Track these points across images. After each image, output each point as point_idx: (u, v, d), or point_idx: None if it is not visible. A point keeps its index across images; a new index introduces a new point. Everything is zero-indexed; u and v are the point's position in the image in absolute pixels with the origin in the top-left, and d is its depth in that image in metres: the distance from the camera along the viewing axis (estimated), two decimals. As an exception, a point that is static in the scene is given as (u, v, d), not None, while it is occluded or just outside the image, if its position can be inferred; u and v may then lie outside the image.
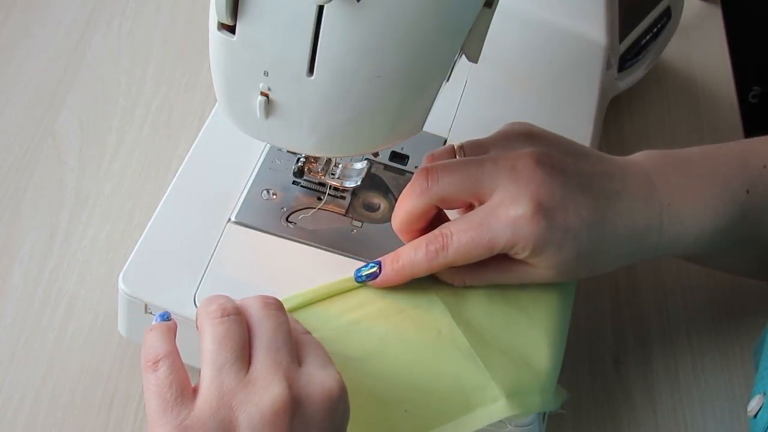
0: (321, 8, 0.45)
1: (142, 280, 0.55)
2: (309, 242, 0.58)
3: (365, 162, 0.62)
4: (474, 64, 0.52)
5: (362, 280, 0.55)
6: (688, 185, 0.56)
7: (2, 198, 0.69)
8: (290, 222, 0.59)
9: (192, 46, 0.81)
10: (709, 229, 0.56)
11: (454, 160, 0.56)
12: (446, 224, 0.54)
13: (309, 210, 0.60)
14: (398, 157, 0.64)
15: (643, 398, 0.63)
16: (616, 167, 0.56)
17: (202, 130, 0.64)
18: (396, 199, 0.61)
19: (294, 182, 0.61)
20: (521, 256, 0.53)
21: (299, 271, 0.57)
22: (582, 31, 0.74)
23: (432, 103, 0.53)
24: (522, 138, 0.56)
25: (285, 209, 0.60)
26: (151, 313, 0.55)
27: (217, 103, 0.60)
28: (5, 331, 0.62)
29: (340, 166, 0.61)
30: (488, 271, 0.55)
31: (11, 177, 0.70)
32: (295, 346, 0.48)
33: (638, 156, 0.58)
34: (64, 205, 0.69)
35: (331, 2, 0.44)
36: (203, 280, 0.55)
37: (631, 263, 0.58)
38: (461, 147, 0.56)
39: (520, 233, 0.52)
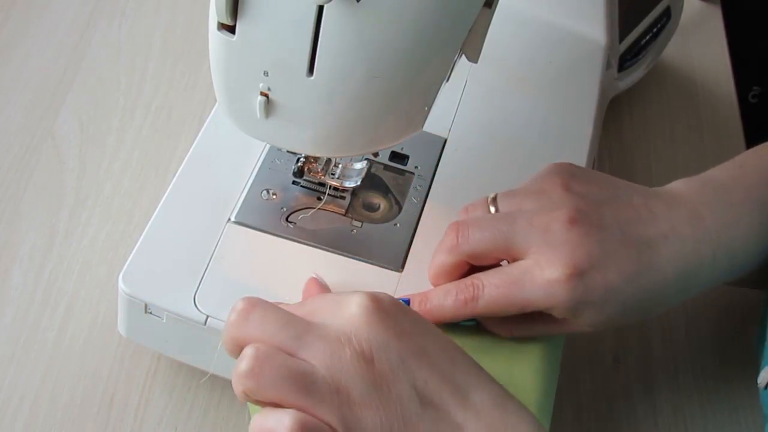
0: (321, 8, 0.45)
1: (142, 280, 0.55)
2: (309, 242, 0.58)
3: (365, 162, 0.62)
4: (474, 64, 0.52)
5: None
6: (732, 214, 0.55)
7: (2, 198, 0.69)
8: (290, 222, 0.59)
9: (192, 46, 0.81)
10: (757, 255, 0.55)
11: (486, 215, 0.55)
12: (479, 275, 0.53)
13: (309, 210, 0.60)
14: (398, 157, 0.64)
15: (643, 398, 0.63)
16: (660, 205, 0.54)
17: (202, 130, 0.64)
18: (396, 199, 0.61)
19: (294, 182, 0.61)
20: (560, 317, 0.52)
21: (299, 271, 0.57)
22: (582, 31, 0.74)
23: (432, 103, 0.53)
24: (557, 188, 0.54)
25: (285, 209, 0.60)
26: (151, 313, 0.55)
27: (217, 103, 0.60)
28: (5, 331, 0.62)
29: (340, 166, 0.61)
30: (536, 323, 0.54)
31: (11, 177, 0.70)
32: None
33: (678, 186, 0.56)
34: (64, 205, 0.69)
35: (331, 2, 0.44)
36: (203, 280, 0.55)
37: (683, 300, 0.56)
38: (494, 199, 0.55)
39: (555, 297, 0.50)
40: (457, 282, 0.53)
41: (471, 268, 0.54)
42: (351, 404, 0.43)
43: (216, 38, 0.49)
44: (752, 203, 0.55)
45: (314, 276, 0.55)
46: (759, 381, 0.55)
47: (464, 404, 0.45)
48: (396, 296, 0.53)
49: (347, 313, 0.45)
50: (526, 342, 0.54)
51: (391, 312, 0.46)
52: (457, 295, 0.52)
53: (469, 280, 0.53)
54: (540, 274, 0.51)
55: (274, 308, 0.46)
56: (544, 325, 0.54)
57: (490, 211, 0.55)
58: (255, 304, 0.46)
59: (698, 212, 0.54)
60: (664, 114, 0.83)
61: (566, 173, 0.55)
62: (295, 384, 0.43)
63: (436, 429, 0.44)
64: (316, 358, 0.44)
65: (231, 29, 0.48)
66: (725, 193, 0.56)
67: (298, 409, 0.43)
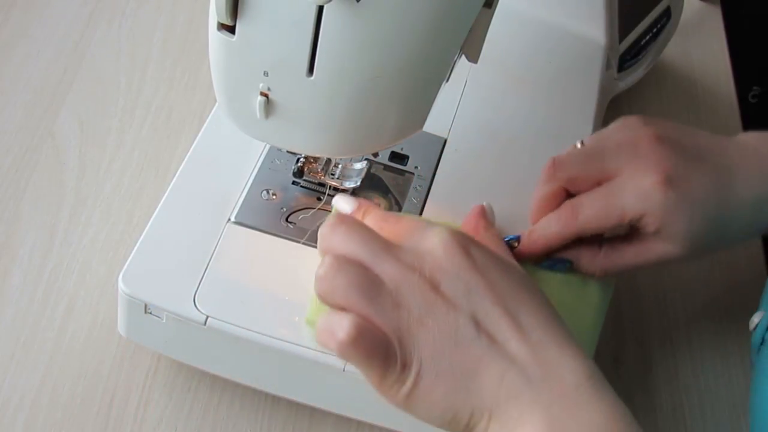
0: (321, 8, 0.45)
1: (142, 280, 0.55)
2: (309, 242, 0.58)
3: (365, 162, 0.62)
4: (474, 64, 0.52)
5: None
6: None
7: (2, 198, 0.69)
8: (290, 222, 0.59)
9: (192, 46, 0.81)
10: None
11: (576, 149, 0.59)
12: (577, 197, 0.57)
13: (309, 210, 0.60)
14: (398, 157, 0.64)
15: (643, 398, 0.63)
16: (725, 142, 0.59)
17: (202, 130, 0.64)
18: (396, 199, 0.61)
19: (294, 182, 0.61)
20: (652, 228, 0.55)
21: (299, 271, 0.57)
22: (581, 31, 0.74)
23: (432, 103, 0.53)
24: (636, 123, 0.58)
25: (285, 209, 0.60)
26: (151, 313, 0.55)
27: (217, 103, 0.60)
28: (5, 331, 0.62)
29: (340, 166, 0.61)
30: (624, 253, 0.57)
31: (11, 177, 0.70)
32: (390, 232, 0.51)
33: (740, 135, 0.60)
34: (64, 205, 0.69)
35: (331, 2, 0.44)
36: (203, 280, 0.55)
37: (753, 237, 0.60)
38: (581, 141, 0.59)
39: (650, 202, 0.54)
40: (556, 210, 0.57)
41: (569, 196, 0.58)
42: (409, 320, 0.46)
43: (216, 38, 0.49)
44: None
45: (485, 204, 0.57)
46: (750, 323, 0.57)
47: (521, 338, 0.46)
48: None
49: (427, 244, 0.48)
50: (589, 287, 0.57)
51: (468, 248, 0.48)
52: (559, 218, 0.56)
53: (567, 203, 0.57)
54: (634, 182, 0.55)
55: (359, 226, 0.50)
56: (633, 253, 0.57)
57: None
58: (343, 220, 0.50)
59: (759, 151, 0.58)
60: (664, 114, 0.83)
61: (640, 117, 0.59)
62: (361, 292, 0.46)
63: (488, 355, 0.46)
64: (386, 274, 0.47)
65: (231, 29, 0.48)
66: None
67: (361, 316, 0.46)
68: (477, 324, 0.46)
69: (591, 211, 0.55)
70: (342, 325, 0.45)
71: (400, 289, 0.46)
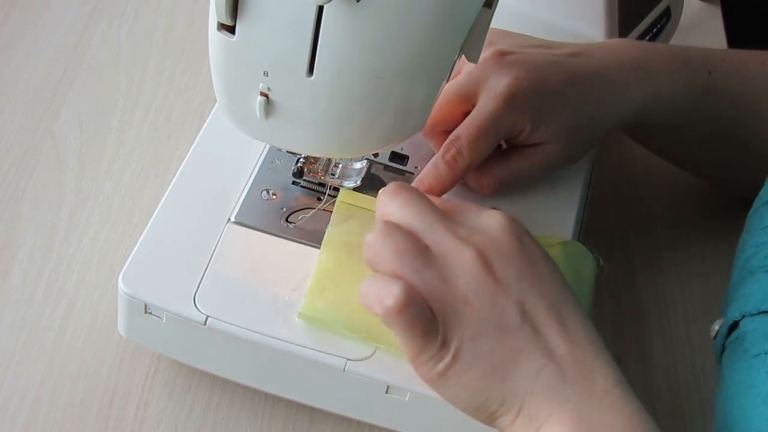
0: (321, 8, 0.45)
1: (142, 280, 0.55)
2: (309, 242, 0.58)
3: (365, 162, 0.62)
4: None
5: None
6: (656, 58, 0.62)
7: (2, 198, 0.69)
8: (290, 222, 0.59)
9: (192, 46, 0.81)
10: (681, 94, 0.61)
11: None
12: (453, 133, 0.57)
13: (309, 210, 0.60)
14: (398, 157, 0.64)
15: (643, 398, 0.63)
16: (579, 46, 0.62)
17: (202, 130, 0.64)
18: (396, 199, 0.61)
19: (294, 182, 0.61)
20: (526, 132, 0.58)
21: (299, 271, 0.57)
22: (582, 31, 0.74)
23: (432, 104, 0.53)
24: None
25: (285, 209, 0.60)
26: (151, 313, 0.55)
27: (217, 103, 0.60)
28: (5, 331, 0.62)
29: (340, 166, 0.61)
30: (510, 162, 0.59)
31: (11, 177, 0.70)
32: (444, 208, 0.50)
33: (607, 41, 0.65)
34: (64, 205, 0.69)
35: (331, 2, 0.44)
36: (203, 280, 0.55)
37: (618, 125, 0.63)
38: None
39: (515, 108, 0.57)
40: (438, 152, 0.58)
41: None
42: (455, 296, 0.45)
43: (216, 38, 0.49)
44: (679, 59, 0.63)
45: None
46: (711, 330, 0.57)
47: (562, 334, 0.46)
48: None
49: (484, 224, 0.48)
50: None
51: (523, 236, 0.48)
52: (444, 158, 0.57)
53: (446, 141, 0.57)
54: (494, 94, 0.57)
55: (417, 196, 0.49)
56: (516, 161, 0.59)
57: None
58: (403, 188, 0.50)
59: (617, 52, 0.62)
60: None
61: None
62: (408, 260, 0.45)
63: (529, 347, 0.45)
64: (438, 245, 0.46)
65: (231, 29, 0.48)
66: (648, 46, 0.66)
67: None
68: (523, 312, 0.45)
69: (472, 137, 0.56)
70: (391, 291, 0.44)
71: (449, 263, 0.46)
